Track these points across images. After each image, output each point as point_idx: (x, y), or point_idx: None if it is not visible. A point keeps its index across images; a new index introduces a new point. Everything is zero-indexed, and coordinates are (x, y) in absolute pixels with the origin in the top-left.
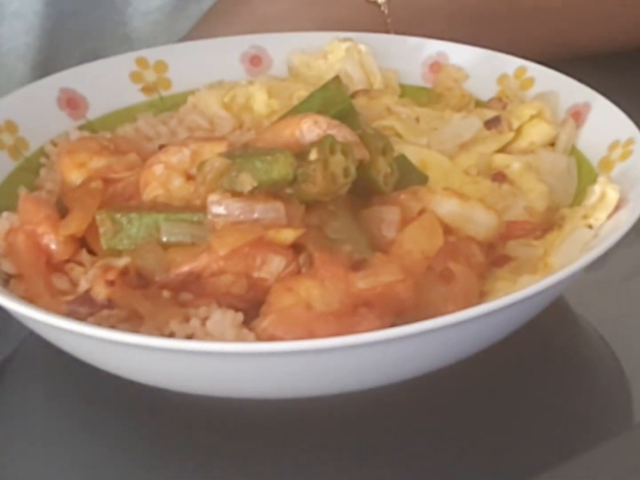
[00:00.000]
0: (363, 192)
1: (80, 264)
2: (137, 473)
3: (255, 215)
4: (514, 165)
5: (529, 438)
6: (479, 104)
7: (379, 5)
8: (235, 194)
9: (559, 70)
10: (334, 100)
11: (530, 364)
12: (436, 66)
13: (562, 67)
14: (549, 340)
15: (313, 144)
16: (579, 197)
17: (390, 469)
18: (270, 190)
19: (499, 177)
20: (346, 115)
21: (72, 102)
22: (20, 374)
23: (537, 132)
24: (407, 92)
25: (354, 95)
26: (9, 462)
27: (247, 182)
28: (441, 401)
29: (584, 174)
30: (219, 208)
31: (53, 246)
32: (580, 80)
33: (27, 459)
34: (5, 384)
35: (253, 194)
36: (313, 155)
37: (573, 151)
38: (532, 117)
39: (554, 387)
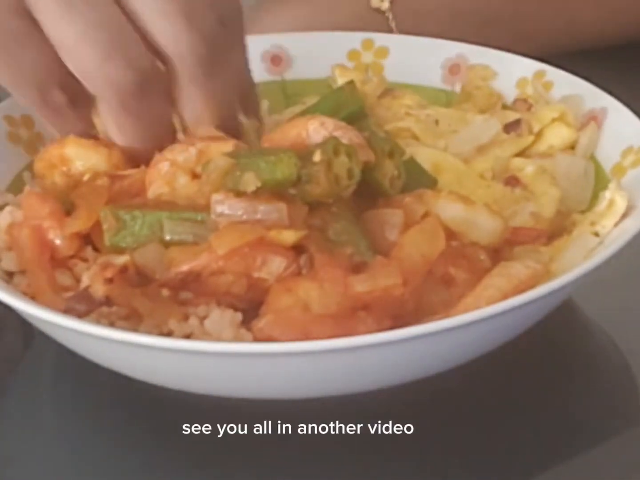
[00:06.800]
0: (369, 194)
1: (85, 260)
2: (136, 471)
3: (258, 216)
4: (527, 168)
5: (532, 437)
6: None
7: (382, 12)
8: (239, 194)
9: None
10: (346, 103)
11: (534, 362)
12: (456, 68)
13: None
14: (553, 337)
15: (317, 145)
16: (592, 202)
17: (391, 469)
18: (273, 191)
19: (512, 181)
20: (357, 117)
21: None
22: (25, 371)
23: (557, 136)
24: (427, 95)
25: (381, 95)
26: (11, 461)
27: (250, 182)
28: (443, 400)
29: (598, 180)
30: (222, 207)
31: (58, 242)
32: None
33: (29, 457)
34: (10, 382)
35: (256, 194)
36: (317, 156)
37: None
38: (553, 120)
39: (559, 385)
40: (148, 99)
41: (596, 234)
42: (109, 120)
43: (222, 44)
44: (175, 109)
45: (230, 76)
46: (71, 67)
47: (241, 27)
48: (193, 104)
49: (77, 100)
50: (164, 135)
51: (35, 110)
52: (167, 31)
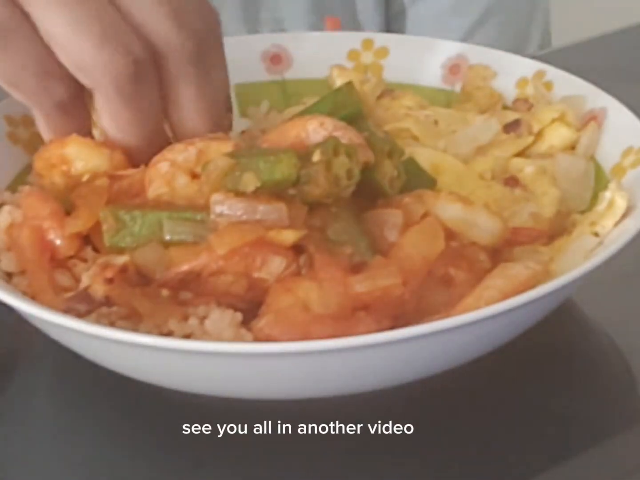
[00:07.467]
0: (368, 194)
1: (85, 260)
2: (136, 470)
3: (258, 216)
4: (527, 169)
5: (532, 437)
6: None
7: None
8: (239, 194)
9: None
10: (345, 103)
11: (534, 362)
12: (456, 68)
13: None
14: (553, 337)
15: (317, 146)
16: (592, 203)
17: (391, 469)
18: (273, 191)
19: (511, 181)
20: (355, 118)
21: None
22: (25, 371)
23: (557, 136)
24: (427, 95)
25: (380, 96)
26: (10, 461)
27: (250, 182)
28: (443, 400)
29: (598, 180)
30: (222, 208)
31: (58, 242)
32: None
33: (29, 457)
34: (10, 383)
35: (256, 194)
36: (316, 156)
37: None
38: (553, 121)
39: (558, 385)
40: (143, 87)
41: (596, 234)
42: (105, 114)
43: (209, 44)
44: (167, 117)
45: (219, 76)
46: (65, 60)
47: (220, 37)
48: (185, 103)
49: (76, 96)
50: (158, 134)
51: (34, 105)
52: (160, 29)
